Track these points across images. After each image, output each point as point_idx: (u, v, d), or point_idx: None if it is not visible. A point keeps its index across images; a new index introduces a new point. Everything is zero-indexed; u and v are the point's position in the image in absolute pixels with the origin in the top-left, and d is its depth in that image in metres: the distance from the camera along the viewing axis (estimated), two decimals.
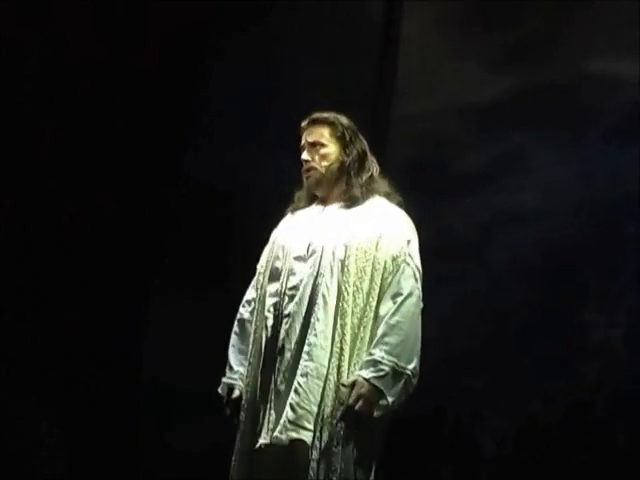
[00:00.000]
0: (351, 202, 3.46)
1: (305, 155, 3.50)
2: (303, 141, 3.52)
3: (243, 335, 3.52)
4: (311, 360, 3.26)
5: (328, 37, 5.27)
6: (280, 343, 3.35)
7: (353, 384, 3.24)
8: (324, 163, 3.47)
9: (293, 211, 3.58)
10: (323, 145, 3.48)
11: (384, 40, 5.33)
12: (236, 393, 3.46)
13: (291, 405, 3.24)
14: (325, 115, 3.51)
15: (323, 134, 3.49)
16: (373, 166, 3.52)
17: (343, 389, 3.25)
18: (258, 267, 3.58)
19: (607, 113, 5.04)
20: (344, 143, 3.48)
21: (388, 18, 5.33)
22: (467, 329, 4.99)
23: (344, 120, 3.52)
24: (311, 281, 3.35)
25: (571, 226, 4.98)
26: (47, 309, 5.14)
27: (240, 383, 3.47)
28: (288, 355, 3.32)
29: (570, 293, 4.98)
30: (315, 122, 3.51)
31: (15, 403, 5.00)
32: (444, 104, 5.18)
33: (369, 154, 3.52)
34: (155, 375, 5.21)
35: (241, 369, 3.48)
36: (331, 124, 3.49)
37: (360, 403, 3.22)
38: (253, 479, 3.34)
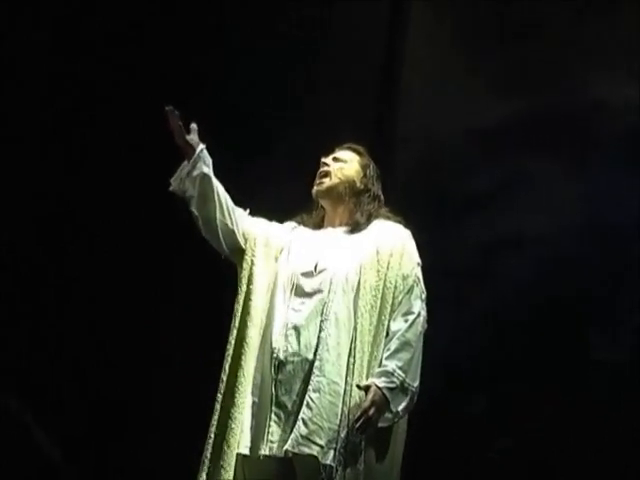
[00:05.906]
0: (355, 227, 3.55)
1: (326, 159, 3.64)
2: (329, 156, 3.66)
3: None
4: (323, 375, 3.31)
5: (330, 56, 5.29)
6: (283, 355, 3.37)
7: (367, 388, 3.28)
8: (339, 175, 3.59)
9: (298, 223, 3.66)
10: (345, 162, 3.63)
11: (388, 60, 5.34)
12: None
13: (303, 420, 3.27)
14: (359, 146, 3.70)
15: (349, 156, 3.66)
16: (381, 207, 3.62)
17: (359, 390, 3.28)
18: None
19: (611, 137, 5.07)
20: (364, 173, 3.62)
21: (393, 37, 5.35)
22: (469, 350, 4.99)
23: (372, 162, 3.68)
24: (319, 297, 3.41)
25: (575, 248, 4.98)
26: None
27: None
28: (290, 367, 3.36)
29: (574, 314, 4.99)
30: (347, 148, 3.69)
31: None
32: (448, 126, 5.19)
33: (382, 202, 3.63)
34: None
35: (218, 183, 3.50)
36: (360, 154, 3.67)
37: (372, 410, 3.25)
38: None
